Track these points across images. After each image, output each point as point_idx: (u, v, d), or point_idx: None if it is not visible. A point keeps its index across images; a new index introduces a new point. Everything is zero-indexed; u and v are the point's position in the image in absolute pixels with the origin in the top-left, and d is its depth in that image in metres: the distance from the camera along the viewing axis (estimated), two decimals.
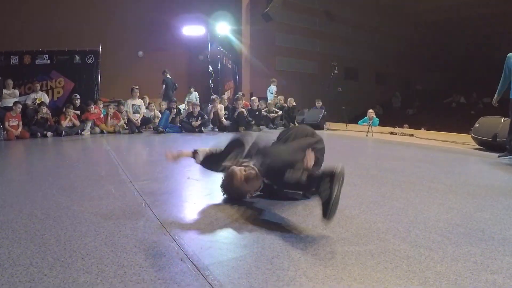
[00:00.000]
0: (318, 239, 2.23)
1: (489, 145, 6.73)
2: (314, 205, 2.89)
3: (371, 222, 2.54)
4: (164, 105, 11.60)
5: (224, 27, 15.55)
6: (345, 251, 2.04)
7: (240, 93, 13.42)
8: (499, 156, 5.90)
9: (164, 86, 12.75)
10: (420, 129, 12.32)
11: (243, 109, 10.81)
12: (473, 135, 7.21)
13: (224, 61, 15.41)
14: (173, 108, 11.05)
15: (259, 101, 12.42)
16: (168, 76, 12.87)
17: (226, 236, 2.32)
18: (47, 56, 11.43)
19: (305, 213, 2.72)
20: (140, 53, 16.18)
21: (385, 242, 2.18)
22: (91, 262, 1.90)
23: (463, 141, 7.92)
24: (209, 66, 14.20)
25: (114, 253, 2.00)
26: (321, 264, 1.87)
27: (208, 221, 2.62)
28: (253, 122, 10.80)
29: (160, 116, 11.02)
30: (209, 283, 1.66)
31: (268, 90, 14.52)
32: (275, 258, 1.94)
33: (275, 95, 13.72)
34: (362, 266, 1.86)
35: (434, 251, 2.04)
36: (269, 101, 12.61)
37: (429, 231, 2.36)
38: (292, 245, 2.13)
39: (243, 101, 11.80)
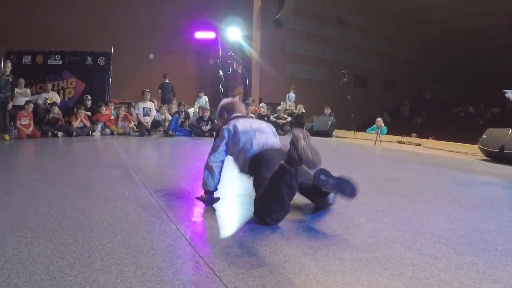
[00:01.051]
0: (328, 245, 2.29)
1: (496, 156, 6.76)
2: (324, 213, 2.98)
3: (379, 231, 2.60)
4: (174, 108, 11.69)
5: (235, 33, 15.62)
6: (354, 257, 2.11)
7: (250, 98, 13.50)
8: None
9: (159, 90, 12.62)
10: (428, 138, 12.34)
11: (252, 115, 10.88)
12: (480, 146, 7.23)
13: (235, 66, 15.47)
14: (182, 112, 11.15)
15: (266, 107, 12.55)
16: (167, 80, 12.76)
17: (239, 240, 2.39)
18: (59, 56, 11.51)
19: (315, 220, 2.79)
20: (151, 56, 16.26)
21: (392, 250, 2.24)
22: (110, 263, 1.95)
23: (470, 152, 7.95)
24: (220, 70, 14.24)
25: (132, 254, 2.06)
26: (331, 270, 1.94)
27: (221, 225, 2.70)
28: None
29: (170, 119, 11.11)
30: (225, 285, 1.73)
31: (287, 96, 14.66)
32: (287, 263, 2.01)
33: (290, 102, 13.82)
34: (370, 272, 1.92)
35: (438, 259, 2.11)
36: (278, 107, 12.68)
37: (434, 240, 2.42)
38: (303, 251, 2.20)
39: (253, 107, 11.87)
